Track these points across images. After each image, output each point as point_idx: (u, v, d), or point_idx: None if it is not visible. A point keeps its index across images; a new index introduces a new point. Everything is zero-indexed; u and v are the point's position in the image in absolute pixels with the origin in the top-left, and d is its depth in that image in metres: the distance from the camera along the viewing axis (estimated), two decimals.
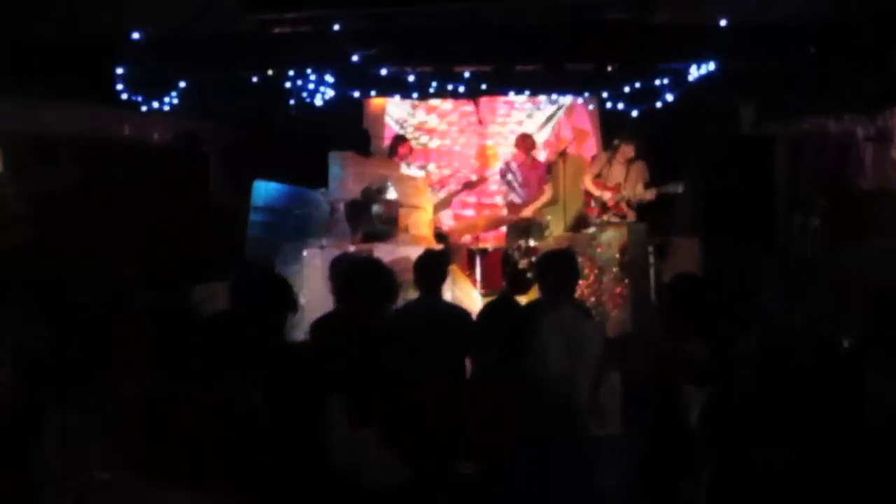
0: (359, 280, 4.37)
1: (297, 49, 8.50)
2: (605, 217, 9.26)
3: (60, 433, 3.25)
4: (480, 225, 9.96)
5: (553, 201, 10.13)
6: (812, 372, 3.71)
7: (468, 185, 10.77)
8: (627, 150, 9.33)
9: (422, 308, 5.24)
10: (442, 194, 10.83)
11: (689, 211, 8.43)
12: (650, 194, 9.01)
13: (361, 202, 8.55)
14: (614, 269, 8.21)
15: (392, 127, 11.05)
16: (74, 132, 7.81)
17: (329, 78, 8.83)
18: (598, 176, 9.52)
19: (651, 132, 9.15)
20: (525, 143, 10.15)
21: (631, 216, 9.28)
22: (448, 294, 6.78)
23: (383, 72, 8.53)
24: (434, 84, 9.23)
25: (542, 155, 10.75)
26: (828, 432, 3.54)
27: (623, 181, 9.30)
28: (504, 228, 10.02)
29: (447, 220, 10.67)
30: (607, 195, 9.28)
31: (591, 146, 10.98)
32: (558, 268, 5.07)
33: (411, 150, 10.15)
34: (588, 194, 9.57)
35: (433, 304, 5.33)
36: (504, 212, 10.38)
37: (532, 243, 8.66)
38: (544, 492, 3.66)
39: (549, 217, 9.85)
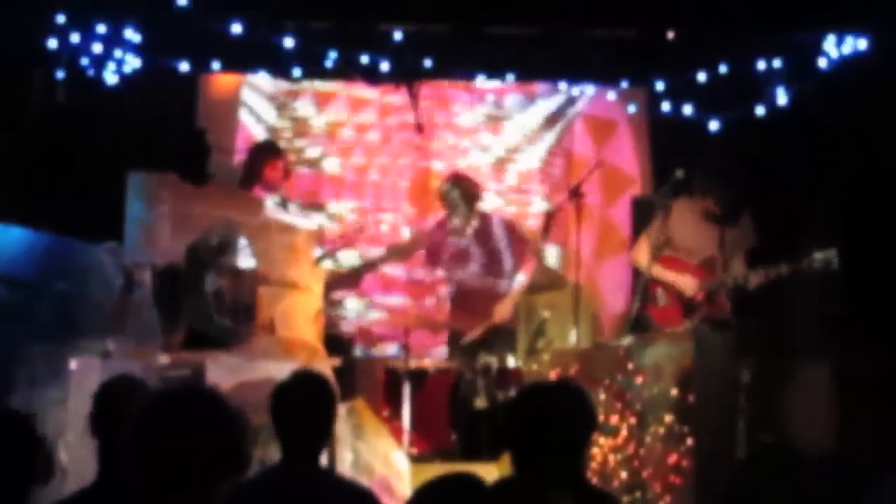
0: (161, 432, 2.48)
1: None
2: (689, 322, 6.47)
3: None
4: (411, 323, 7.12)
5: (552, 281, 7.57)
6: None
7: (399, 252, 7.95)
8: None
9: (283, 489, 3.65)
10: (351, 261, 7.99)
11: (817, 308, 6.41)
12: (755, 279, 6.34)
13: (186, 271, 6.24)
14: (667, 418, 5.68)
15: (252, 130, 8.16)
16: None
17: (132, 34, 7.20)
18: (664, 248, 6.53)
19: (745, 161, 6.57)
20: (456, 186, 6.96)
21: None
22: (345, 457, 5.47)
23: (237, 27, 7.11)
24: (334, 54, 7.43)
25: (537, 202, 7.99)
26: None
27: (716, 252, 6.51)
28: (460, 334, 7.08)
29: (353, 312, 8.07)
30: (689, 283, 6.48)
31: (628, 179, 8.18)
32: (552, 417, 3.33)
33: (288, 173, 7.25)
34: (659, 287, 6.56)
35: (306, 479, 3.72)
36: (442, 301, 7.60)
37: (510, 362, 6.53)
38: None
39: (545, 314, 7.36)
